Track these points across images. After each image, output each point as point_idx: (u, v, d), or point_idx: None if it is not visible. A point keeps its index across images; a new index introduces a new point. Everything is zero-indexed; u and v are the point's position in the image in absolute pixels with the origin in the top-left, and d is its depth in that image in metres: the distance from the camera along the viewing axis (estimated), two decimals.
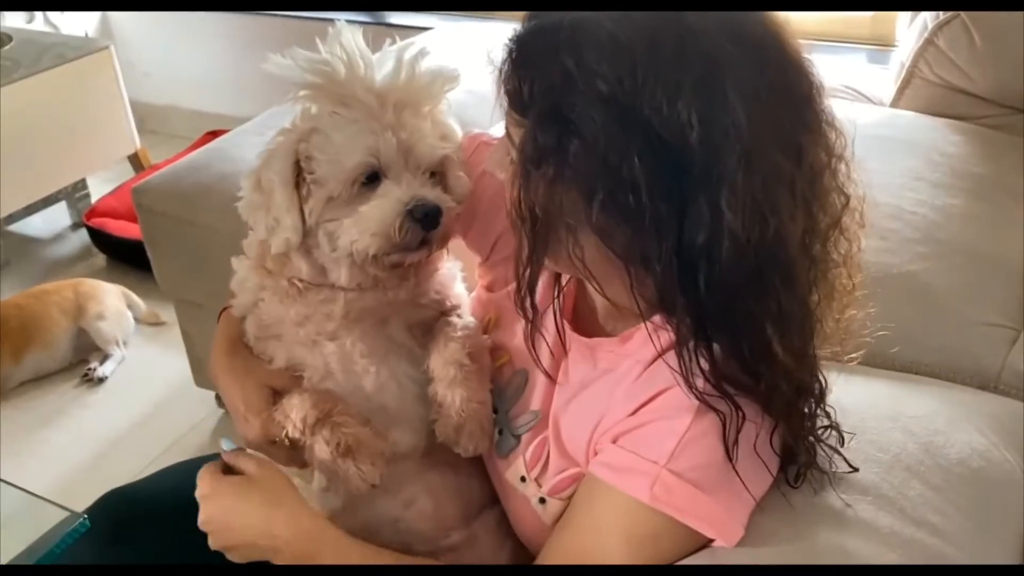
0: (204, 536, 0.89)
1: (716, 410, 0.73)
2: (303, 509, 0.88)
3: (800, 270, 0.73)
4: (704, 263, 0.69)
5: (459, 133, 0.94)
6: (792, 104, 0.71)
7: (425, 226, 0.85)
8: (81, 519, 1.00)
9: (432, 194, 0.86)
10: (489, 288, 1.04)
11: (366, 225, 0.85)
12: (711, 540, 0.75)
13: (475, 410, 0.91)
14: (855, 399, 0.84)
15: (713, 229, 0.68)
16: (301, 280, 0.91)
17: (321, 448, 0.86)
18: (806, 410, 0.78)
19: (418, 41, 0.90)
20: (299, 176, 0.88)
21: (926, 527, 0.75)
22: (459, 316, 0.97)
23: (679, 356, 0.73)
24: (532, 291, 0.81)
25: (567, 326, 0.88)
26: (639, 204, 0.68)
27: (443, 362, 0.92)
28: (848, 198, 0.77)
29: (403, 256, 0.87)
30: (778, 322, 0.72)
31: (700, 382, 0.73)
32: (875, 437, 0.85)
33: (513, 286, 0.95)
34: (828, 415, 0.80)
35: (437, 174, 0.91)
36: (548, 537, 0.85)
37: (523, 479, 0.90)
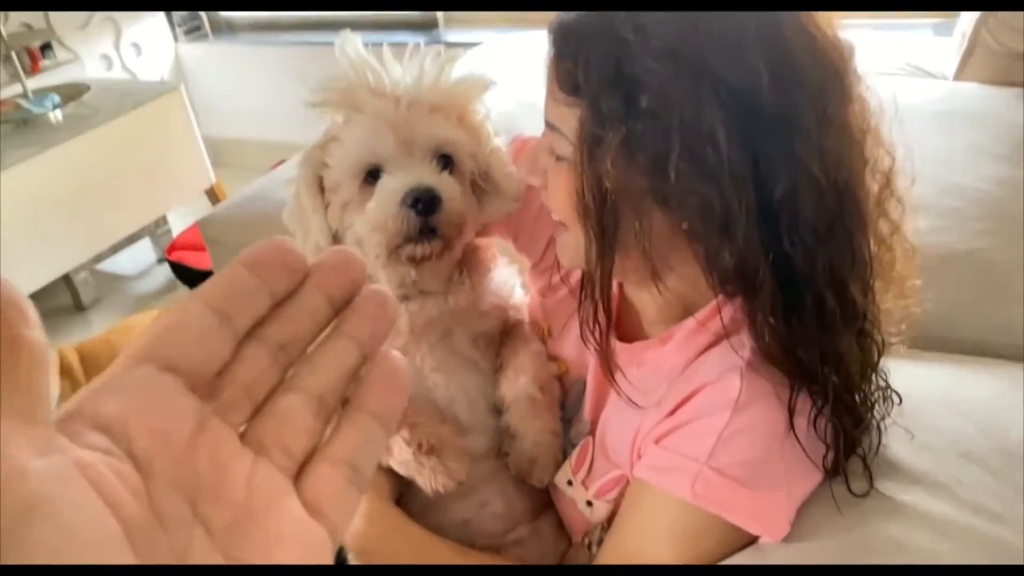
0: None
1: (774, 383, 0.72)
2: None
3: (868, 217, 0.73)
4: (787, 213, 0.68)
5: (494, 134, 0.94)
6: (842, 60, 0.71)
7: (423, 212, 0.83)
8: None
9: (432, 180, 0.84)
10: (541, 294, 1.04)
11: (368, 221, 0.85)
12: (757, 537, 0.74)
13: (548, 442, 0.92)
14: (911, 384, 0.81)
15: (793, 176, 0.67)
16: None
17: (401, 448, 0.87)
18: (865, 390, 0.77)
19: (459, 52, 0.90)
20: (322, 184, 0.90)
21: (984, 513, 0.72)
22: (525, 340, 0.97)
23: (752, 327, 0.72)
24: (607, 291, 0.78)
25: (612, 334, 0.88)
26: (719, 156, 0.66)
27: (514, 395, 0.92)
28: (894, 159, 0.76)
29: (415, 248, 0.85)
30: (856, 269, 0.72)
31: (764, 359, 0.72)
32: (930, 422, 0.82)
33: (565, 291, 0.96)
34: (884, 398, 0.78)
35: (451, 162, 0.88)
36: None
37: (570, 482, 0.91)
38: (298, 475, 0.27)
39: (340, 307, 0.29)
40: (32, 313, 0.22)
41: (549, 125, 0.78)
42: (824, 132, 0.68)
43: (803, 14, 0.70)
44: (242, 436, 0.27)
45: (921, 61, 1.96)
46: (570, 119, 0.73)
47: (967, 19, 1.80)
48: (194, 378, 0.26)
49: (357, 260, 0.30)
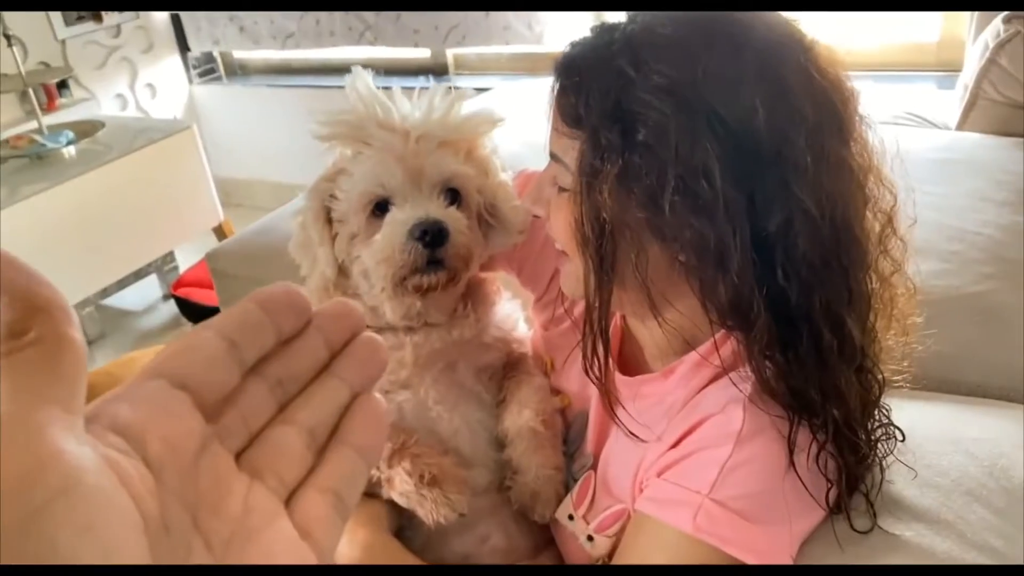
0: None
1: (776, 417, 0.72)
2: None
3: (868, 254, 0.73)
4: (781, 248, 0.69)
5: (500, 167, 0.95)
6: (842, 100, 0.72)
7: (430, 245, 0.84)
8: None
9: (440, 213, 0.85)
10: (545, 327, 1.05)
11: (375, 253, 0.85)
12: None
13: (550, 476, 0.91)
14: (915, 422, 0.81)
15: (787, 211, 0.68)
16: None
17: (402, 480, 0.86)
18: (867, 426, 0.76)
19: (469, 91, 0.92)
20: (329, 216, 0.91)
21: (987, 552, 0.71)
22: (528, 373, 0.98)
23: (750, 361, 0.72)
24: (605, 324, 0.78)
25: (614, 368, 0.88)
26: (713, 190, 0.67)
27: (517, 429, 0.92)
28: (895, 197, 0.77)
29: (420, 279, 0.86)
30: (853, 306, 0.72)
31: (763, 393, 0.72)
32: (934, 461, 0.81)
33: (568, 324, 0.97)
34: (886, 435, 0.78)
35: (459, 196, 0.89)
36: None
37: (571, 517, 0.90)
38: (287, 501, 0.29)
39: (337, 351, 0.32)
40: (75, 316, 0.24)
41: (553, 156, 0.79)
42: (820, 169, 0.69)
43: (803, 55, 0.71)
44: (237, 461, 0.28)
45: (924, 111, 1.99)
46: (571, 150, 0.75)
47: (969, 71, 1.83)
48: (202, 398, 0.27)
49: (356, 311, 0.32)
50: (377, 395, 0.33)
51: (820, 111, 0.69)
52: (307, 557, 0.28)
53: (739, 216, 0.67)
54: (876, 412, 0.78)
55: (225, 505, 0.27)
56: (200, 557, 0.25)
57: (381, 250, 0.85)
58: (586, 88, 0.72)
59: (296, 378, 0.30)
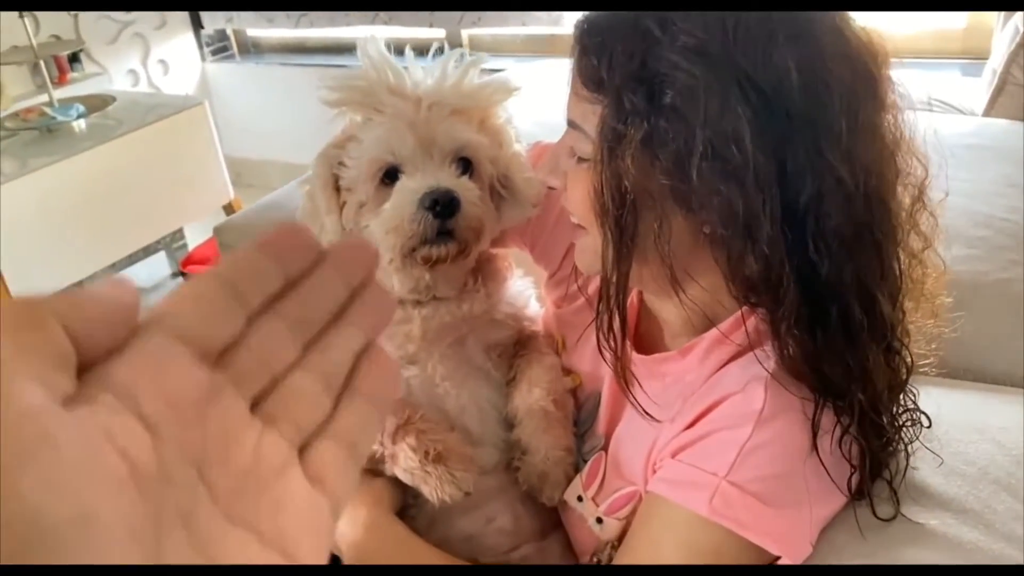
0: None
1: (799, 398, 0.69)
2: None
3: (899, 229, 0.71)
4: (812, 219, 0.65)
5: (515, 138, 0.92)
6: (876, 65, 0.68)
7: (440, 215, 0.81)
8: None
9: (451, 182, 0.83)
10: (557, 305, 1.02)
11: (384, 222, 0.83)
12: (776, 558, 0.70)
13: (560, 458, 0.89)
14: (940, 409, 0.78)
15: (820, 180, 0.64)
16: None
17: (407, 456, 0.84)
18: (892, 411, 0.74)
19: (483, 57, 0.89)
20: (337, 184, 0.88)
21: (1016, 542, 0.68)
22: (539, 352, 0.95)
23: (775, 339, 0.69)
24: (623, 297, 0.75)
25: (630, 346, 0.85)
26: (743, 156, 0.63)
27: (527, 408, 0.90)
28: (927, 170, 0.73)
29: (430, 250, 0.83)
30: (885, 281, 0.69)
31: (787, 372, 0.69)
32: (961, 449, 0.78)
33: (581, 302, 0.94)
34: (912, 420, 0.75)
35: (471, 166, 0.87)
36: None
37: (580, 498, 0.87)
38: (302, 449, 0.28)
39: (357, 291, 0.30)
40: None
41: (571, 124, 0.76)
42: (855, 137, 0.65)
43: (838, 15, 0.68)
44: (253, 407, 0.28)
45: (949, 98, 1.95)
46: (592, 116, 0.72)
47: (998, 56, 1.79)
48: (205, 348, 0.26)
49: (371, 247, 0.31)
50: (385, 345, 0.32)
51: (855, 73, 0.66)
52: (320, 505, 0.28)
53: (770, 184, 0.64)
54: (902, 396, 0.75)
55: (234, 455, 0.26)
56: (206, 508, 0.25)
57: (390, 219, 0.82)
58: (609, 49, 0.69)
59: (316, 318, 0.30)
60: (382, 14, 3.24)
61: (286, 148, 3.74)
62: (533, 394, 0.90)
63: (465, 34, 3.29)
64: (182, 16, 3.72)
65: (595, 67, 0.70)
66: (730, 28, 0.64)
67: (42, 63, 2.74)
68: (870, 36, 0.69)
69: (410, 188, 0.82)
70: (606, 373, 0.89)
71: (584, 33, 0.73)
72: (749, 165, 0.63)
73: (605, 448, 0.89)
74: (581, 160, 0.75)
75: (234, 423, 0.27)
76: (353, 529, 0.86)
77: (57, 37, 3.21)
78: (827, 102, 0.64)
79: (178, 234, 3.10)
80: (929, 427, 0.77)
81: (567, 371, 0.97)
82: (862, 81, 0.67)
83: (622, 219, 0.70)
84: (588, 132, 0.73)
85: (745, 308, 0.73)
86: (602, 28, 0.71)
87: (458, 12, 3.08)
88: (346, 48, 3.58)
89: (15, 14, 2.71)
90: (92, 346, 0.24)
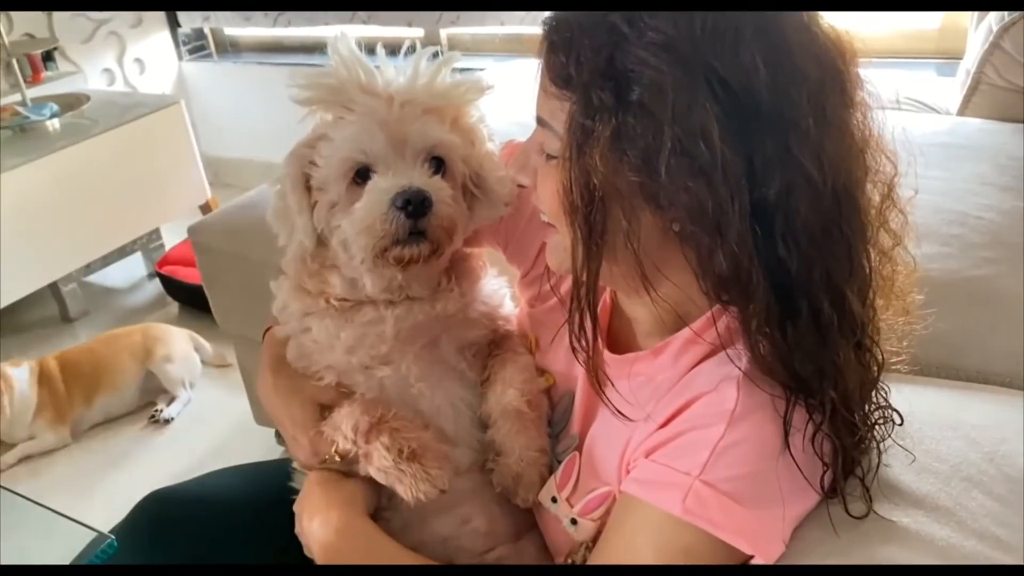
0: (239, 537, 0.90)
1: (771, 396, 0.69)
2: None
3: (868, 226, 0.71)
4: (781, 215, 0.65)
5: (488, 137, 0.92)
6: (844, 62, 0.68)
7: (412, 215, 0.81)
8: (108, 540, 1.00)
9: (423, 182, 0.82)
10: (530, 304, 1.01)
11: (356, 222, 0.82)
12: (749, 557, 0.70)
13: (534, 459, 0.89)
14: (913, 406, 0.78)
15: (789, 176, 0.64)
16: (338, 298, 0.90)
17: (380, 455, 0.84)
18: (865, 408, 0.74)
19: (456, 55, 0.88)
20: (308, 183, 0.87)
21: (988, 540, 0.68)
22: (513, 351, 0.95)
23: (746, 337, 0.69)
24: (594, 296, 0.74)
25: (602, 345, 0.85)
26: (711, 152, 0.63)
27: (501, 409, 0.89)
28: (896, 168, 0.73)
29: (402, 250, 0.82)
30: (854, 278, 0.69)
31: (759, 371, 0.69)
32: (933, 446, 0.78)
33: (554, 302, 0.93)
34: (884, 418, 0.75)
35: (443, 164, 0.86)
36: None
37: (554, 499, 0.87)
38: None
39: None
40: None
41: (540, 121, 0.75)
42: (823, 133, 0.65)
43: (806, 12, 0.68)
44: None
45: (924, 97, 1.96)
46: (560, 113, 0.71)
47: (972, 56, 1.80)
48: None
49: None
50: None
51: (823, 69, 0.66)
52: None
53: (738, 180, 0.64)
54: (874, 394, 0.75)
55: None
56: None
57: (361, 219, 0.81)
58: (577, 46, 0.68)
59: None
60: (360, 13, 3.23)
61: (264, 147, 3.69)
62: (507, 395, 0.89)
63: (444, 33, 3.28)
64: (158, 15, 3.68)
65: (563, 64, 0.69)
66: (698, 24, 0.64)
67: (15, 61, 2.71)
68: (838, 33, 0.69)
69: (382, 188, 0.81)
70: (579, 373, 0.89)
71: (552, 30, 0.72)
72: (717, 161, 0.63)
73: (579, 448, 0.88)
74: (550, 157, 0.75)
75: None
76: (325, 532, 0.85)
77: (31, 35, 3.17)
78: (795, 98, 0.64)
79: (155, 234, 3.08)
80: (901, 424, 0.77)
81: (541, 371, 0.96)
82: (829, 77, 0.67)
83: (591, 216, 0.70)
84: (557, 129, 0.72)
85: (717, 307, 0.72)
86: (570, 25, 0.70)
87: (437, 12, 3.06)
88: (324, 47, 3.54)
89: None
90: None
